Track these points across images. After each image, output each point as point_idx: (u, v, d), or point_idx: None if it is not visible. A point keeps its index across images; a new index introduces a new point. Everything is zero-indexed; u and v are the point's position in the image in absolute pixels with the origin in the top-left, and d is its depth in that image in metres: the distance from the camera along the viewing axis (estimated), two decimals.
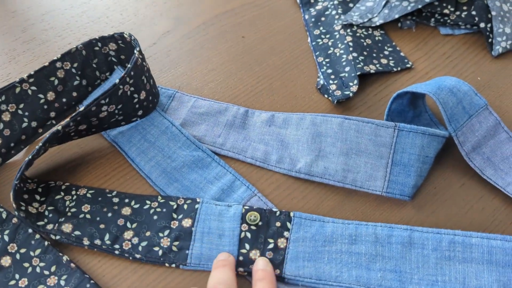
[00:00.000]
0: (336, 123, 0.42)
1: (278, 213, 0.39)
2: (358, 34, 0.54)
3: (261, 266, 0.37)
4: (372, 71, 0.50)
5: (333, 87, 0.49)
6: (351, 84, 0.49)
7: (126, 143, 0.45)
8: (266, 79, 0.51)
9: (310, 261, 0.37)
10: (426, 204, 0.41)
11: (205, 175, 0.42)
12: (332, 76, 0.50)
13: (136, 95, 0.43)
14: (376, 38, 0.55)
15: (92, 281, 0.35)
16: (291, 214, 0.39)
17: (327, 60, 0.52)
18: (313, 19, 0.57)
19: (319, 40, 0.55)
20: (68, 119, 0.39)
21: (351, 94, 0.47)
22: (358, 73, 0.49)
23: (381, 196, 0.42)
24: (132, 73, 0.42)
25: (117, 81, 0.40)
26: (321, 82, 0.50)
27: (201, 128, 0.46)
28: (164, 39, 0.55)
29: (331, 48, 0.53)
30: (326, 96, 0.49)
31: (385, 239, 0.37)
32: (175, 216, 0.39)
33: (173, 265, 0.37)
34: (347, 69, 0.50)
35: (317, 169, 0.42)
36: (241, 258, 0.37)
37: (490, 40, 0.54)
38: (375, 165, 0.41)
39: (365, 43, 0.53)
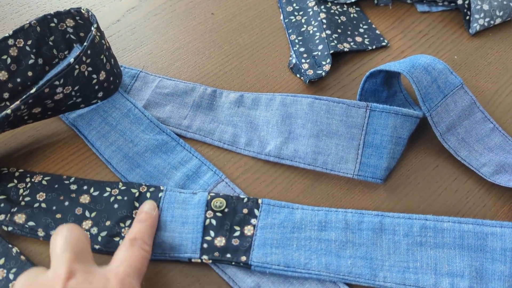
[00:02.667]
0: (306, 103, 0.40)
1: (245, 199, 0.37)
2: (332, 11, 0.52)
3: (146, 209, 0.36)
4: (346, 50, 0.48)
5: (306, 66, 0.47)
6: (323, 63, 0.47)
7: (86, 126, 0.42)
8: (236, 58, 0.49)
9: (278, 248, 0.35)
10: (399, 187, 0.40)
11: (169, 160, 0.40)
12: (305, 55, 0.48)
13: (94, 76, 0.40)
14: (351, 15, 0.53)
15: None
16: (259, 201, 0.37)
17: (300, 38, 0.50)
18: None
19: (292, 17, 0.52)
20: (18, 102, 0.36)
21: (323, 74, 0.46)
22: (332, 51, 0.47)
23: (352, 179, 0.40)
24: (89, 51, 0.39)
25: (72, 60, 0.37)
26: (293, 61, 0.48)
27: (166, 109, 0.44)
28: (129, 16, 0.52)
29: (304, 26, 0.51)
30: (298, 75, 0.47)
31: (355, 225, 0.36)
32: (137, 204, 0.37)
33: None
34: (320, 47, 0.48)
35: (287, 151, 0.40)
36: (205, 245, 0.35)
37: (467, 17, 0.52)
38: (346, 147, 0.39)
39: (339, 20, 0.51)
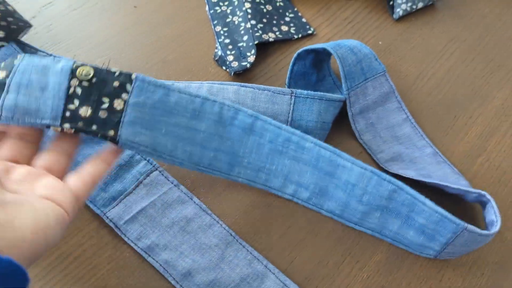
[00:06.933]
0: (232, 91, 0.40)
1: (117, 73, 0.34)
2: (258, 0, 0.51)
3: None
4: (271, 40, 0.48)
5: (231, 58, 0.46)
6: (248, 54, 0.46)
7: None
8: (160, 52, 0.47)
9: (147, 130, 0.34)
10: None
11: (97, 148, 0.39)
12: (230, 46, 0.47)
13: None
14: (277, 4, 0.52)
15: None
16: (133, 76, 0.34)
17: (225, 29, 0.49)
18: None
19: (217, 7, 0.51)
20: None
21: (248, 65, 0.45)
22: (256, 42, 0.47)
23: None
24: None
25: None
26: (219, 53, 0.47)
27: None
28: (46, 12, 0.50)
29: (230, 16, 0.50)
30: (224, 68, 0.46)
31: (228, 120, 0.35)
32: None
33: None
34: (245, 38, 0.48)
35: None
36: (68, 113, 0.32)
37: (391, 2, 0.53)
38: None
39: (265, 10, 0.51)
